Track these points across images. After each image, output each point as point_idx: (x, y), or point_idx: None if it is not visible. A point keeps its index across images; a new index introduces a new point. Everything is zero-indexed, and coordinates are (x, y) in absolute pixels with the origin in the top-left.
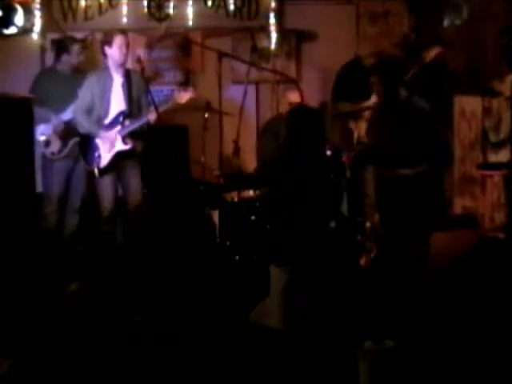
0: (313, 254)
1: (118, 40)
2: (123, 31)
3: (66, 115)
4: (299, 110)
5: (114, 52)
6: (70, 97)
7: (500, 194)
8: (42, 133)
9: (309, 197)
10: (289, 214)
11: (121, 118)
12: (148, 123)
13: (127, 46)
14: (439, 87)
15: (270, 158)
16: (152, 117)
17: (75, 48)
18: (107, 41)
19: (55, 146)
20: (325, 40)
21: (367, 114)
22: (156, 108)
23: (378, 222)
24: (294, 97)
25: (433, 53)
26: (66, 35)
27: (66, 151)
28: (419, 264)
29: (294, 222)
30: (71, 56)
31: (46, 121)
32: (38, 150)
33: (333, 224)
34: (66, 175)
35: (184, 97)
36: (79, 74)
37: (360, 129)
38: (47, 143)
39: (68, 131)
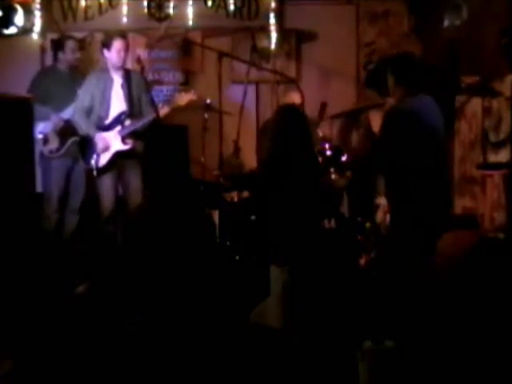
0: (313, 254)
1: (117, 44)
2: (123, 35)
3: (66, 114)
4: (286, 109)
5: (113, 56)
6: (69, 95)
7: (500, 194)
8: (40, 131)
9: (302, 196)
10: (283, 213)
11: (122, 118)
12: (151, 122)
13: (126, 49)
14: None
15: (266, 157)
16: (158, 113)
17: (69, 45)
18: (106, 44)
19: (53, 144)
20: (325, 40)
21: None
22: (156, 111)
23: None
24: (296, 97)
25: (472, 80)
26: (63, 34)
27: (63, 150)
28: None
29: (290, 222)
30: (66, 53)
31: (45, 119)
32: (37, 148)
33: (332, 223)
34: (65, 175)
35: (185, 98)
36: (78, 72)
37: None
38: (45, 141)
39: (67, 130)
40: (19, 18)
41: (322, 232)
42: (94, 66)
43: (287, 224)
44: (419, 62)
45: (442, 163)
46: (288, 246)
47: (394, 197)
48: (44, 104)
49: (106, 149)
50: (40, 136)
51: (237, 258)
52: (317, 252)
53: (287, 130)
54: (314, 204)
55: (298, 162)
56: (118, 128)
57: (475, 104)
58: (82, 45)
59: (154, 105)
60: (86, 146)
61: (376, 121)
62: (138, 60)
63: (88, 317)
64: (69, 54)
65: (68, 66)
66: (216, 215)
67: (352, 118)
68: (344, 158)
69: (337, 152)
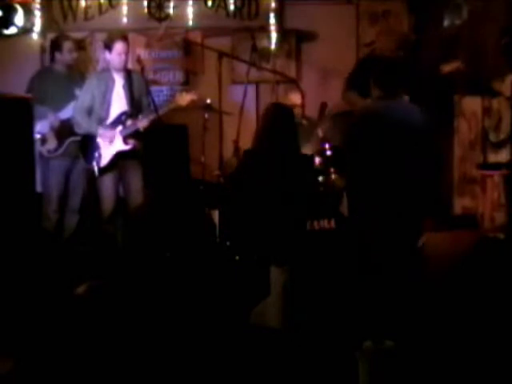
0: (312, 254)
1: (118, 47)
2: (124, 36)
3: (64, 114)
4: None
5: (114, 58)
6: (66, 95)
7: (500, 194)
8: (38, 131)
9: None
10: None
11: (123, 118)
12: (151, 122)
13: (127, 52)
14: (440, 89)
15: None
16: (142, 124)
17: (66, 45)
18: (107, 46)
19: (52, 144)
20: (325, 40)
21: None
22: (156, 110)
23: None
24: (295, 98)
25: (453, 66)
26: (61, 34)
27: (61, 150)
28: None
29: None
30: (63, 54)
31: (43, 119)
32: (35, 148)
33: (332, 223)
34: (63, 175)
35: (186, 98)
36: (76, 72)
37: None
38: (43, 141)
39: (65, 130)
40: (19, 18)
41: (321, 232)
42: (94, 66)
43: (284, 224)
44: (397, 66)
45: (415, 164)
46: (288, 246)
47: (360, 199)
48: (42, 104)
49: (112, 140)
50: (38, 136)
51: (237, 258)
52: (316, 252)
53: (272, 129)
54: (304, 203)
55: (285, 161)
56: (120, 128)
57: (475, 104)
58: (82, 45)
59: (154, 105)
60: (87, 146)
61: None
62: (138, 60)
63: (88, 317)
64: (66, 55)
65: (65, 66)
66: (216, 215)
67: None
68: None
69: (337, 152)
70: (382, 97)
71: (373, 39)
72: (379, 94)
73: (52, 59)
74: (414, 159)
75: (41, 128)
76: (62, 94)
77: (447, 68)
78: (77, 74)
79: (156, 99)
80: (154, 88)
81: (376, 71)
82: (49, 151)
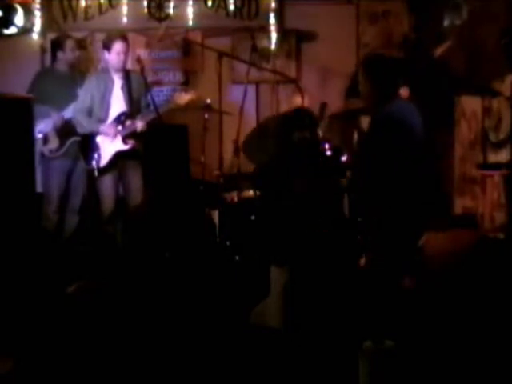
0: (313, 254)
1: (117, 46)
2: (123, 36)
3: (66, 113)
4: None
5: (112, 57)
6: (69, 95)
7: (500, 194)
8: (40, 130)
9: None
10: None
11: (122, 118)
12: (151, 121)
13: (126, 52)
14: (442, 88)
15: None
16: (140, 125)
17: (68, 44)
18: (106, 46)
19: (53, 143)
20: (325, 40)
21: None
22: (156, 109)
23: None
24: (300, 100)
25: (444, 47)
26: (62, 33)
27: (63, 150)
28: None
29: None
30: (66, 53)
31: (46, 117)
32: (37, 148)
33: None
34: (64, 175)
35: (184, 98)
36: (77, 72)
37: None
38: (45, 141)
39: (67, 130)
40: (19, 18)
41: (321, 232)
42: (96, 66)
43: (288, 224)
44: (396, 63)
45: (422, 166)
46: (288, 246)
47: (376, 203)
48: (44, 104)
49: (115, 136)
50: (40, 135)
51: (237, 258)
52: (317, 252)
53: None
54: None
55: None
56: (119, 128)
57: (475, 104)
58: (82, 44)
59: (154, 105)
60: (87, 147)
61: (366, 123)
62: (138, 60)
63: (88, 317)
64: (68, 54)
65: (67, 65)
66: (216, 215)
67: (351, 119)
68: (344, 158)
69: (337, 152)
70: (387, 99)
71: (368, 42)
72: (381, 97)
73: (54, 59)
74: (425, 160)
75: (44, 127)
76: (64, 94)
77: (439, 50)
78: (79, 73)
79: (156, 99)
80: (153, 88)
81: (374, 73)
82: (50, 151)
